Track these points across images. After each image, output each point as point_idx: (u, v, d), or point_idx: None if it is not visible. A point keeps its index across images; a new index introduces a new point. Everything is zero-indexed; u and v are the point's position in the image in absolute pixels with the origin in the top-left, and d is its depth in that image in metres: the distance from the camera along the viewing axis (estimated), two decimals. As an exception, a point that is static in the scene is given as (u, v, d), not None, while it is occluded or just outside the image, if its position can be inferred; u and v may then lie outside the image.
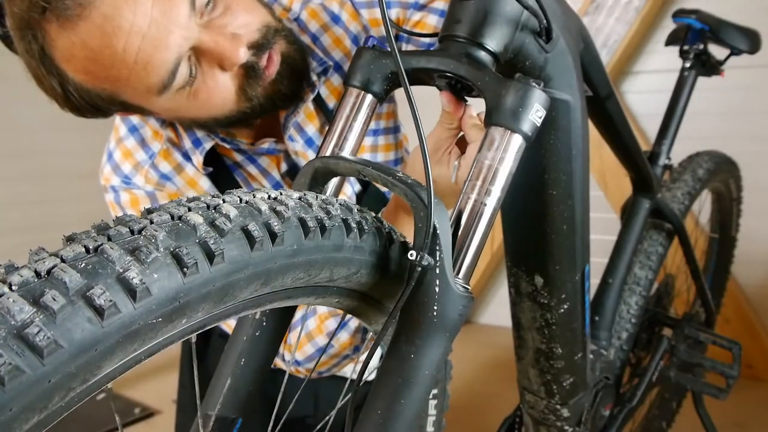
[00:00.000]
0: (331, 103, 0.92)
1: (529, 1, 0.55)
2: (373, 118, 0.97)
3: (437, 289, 0.48)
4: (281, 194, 0.46)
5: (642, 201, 1.16)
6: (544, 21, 0.57)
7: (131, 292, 0.34)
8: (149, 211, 0.40)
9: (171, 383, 2.17)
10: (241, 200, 0.43)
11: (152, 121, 0.88)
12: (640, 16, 2.07)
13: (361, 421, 0.49)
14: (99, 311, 0.33)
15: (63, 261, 0.34)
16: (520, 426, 1.05)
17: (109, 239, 0.36)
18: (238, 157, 0.89)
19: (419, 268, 0.47)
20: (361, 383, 0.50)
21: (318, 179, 0.55)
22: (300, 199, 0.46)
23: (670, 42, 1.35)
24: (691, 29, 1.28)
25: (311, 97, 0.85)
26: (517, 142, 0.54)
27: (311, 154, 0.90)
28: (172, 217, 0.39)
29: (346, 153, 0.61)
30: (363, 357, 1.08)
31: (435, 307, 0.49)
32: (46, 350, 0.31)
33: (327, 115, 0.90)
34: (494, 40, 0.56)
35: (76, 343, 0.32)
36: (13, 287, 0.32)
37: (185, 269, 0.36)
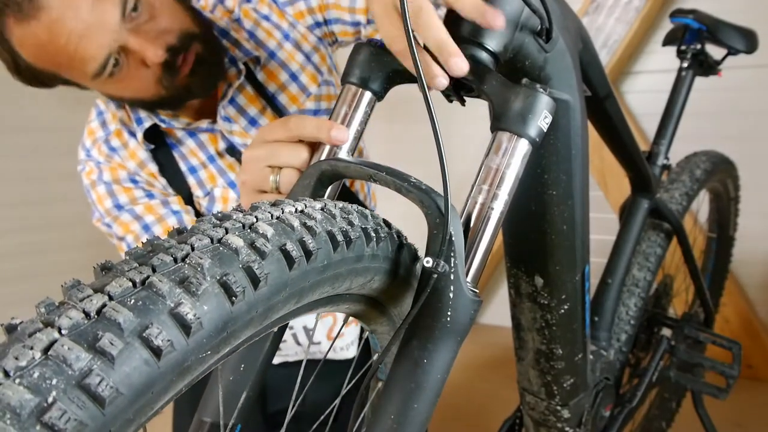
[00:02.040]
0: (269, 86, 1.04)
1: (533, 1, 0.55)
2: (311, 98, 1.04)
3: (451, 295, 0.49)
4: (306, 206, 0.45)
5: (641, 201, 1.16)
6: (547, 21, 0.57)
7: (185, 328, 0.32)
8: (179, 232, 0.39)
9: (170, 384, 2.17)
10: (272, 216, 0.42)
11: (111, 105, 1.06)
12: (640, 16, 2.07)
13: (373, 424, 0.49)
14: (156, 352, 0.31)
15: (111, 298, 0.32)
16: (520, 427, 1.05)
17: (154, 270, 0.34)
18: (179, 134, 1.03)
19: (435, 275, 0.48)
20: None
21: (323, 181, 0.54)
22: (323, 209, 0.45)
23: (667, 42, 1.35)
24: (688, 29, 1.28)
25: (238, 82, 0.99)
26: (523, 146, 0.54)
27: (254, 133, 1.02)
28: (212, 240, 0.37)
29: (344, 151, 0.60)
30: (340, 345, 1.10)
31: (449, 313, 0.49)
32: (108, 399, 0.29)
33: (267, 99, 1.02)
34: (494, 40, 0.56)
35: (134, 388, 0.30)
36: (64, 331, 0.30)
37: (233, 298, 0.35)
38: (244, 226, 0.39)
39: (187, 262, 0.35)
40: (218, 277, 0.35)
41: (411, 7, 0.52)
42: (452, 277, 0.48)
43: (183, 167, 1.04)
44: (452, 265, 0.48)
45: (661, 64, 2.18)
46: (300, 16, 1.04)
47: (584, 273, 0.82)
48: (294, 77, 1.04)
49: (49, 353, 0.29)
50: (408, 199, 0.50)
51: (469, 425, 1.80)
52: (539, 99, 0.53)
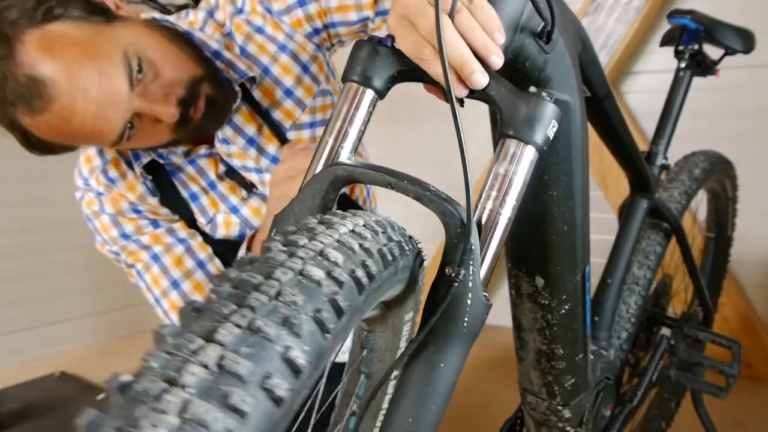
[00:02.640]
0: (265, 104, 1.02)
1: (540, 3, 0.55)
2: (306, 111, 1.03)
3: (469, 302, 0.50)
4: (355, 225, 0.45)
5: (640, 201, 1.17)
6: (551, 23, 0.58)
7: (296, 372, 0.32)
8: (252, 261, 0.38)
9: (171, 385, 2.16)
10: (333, 239, 0.42)
11: None
12: (640, 16, 2.07)
13: (388, 427, 0.50)
14: (278, 402, 0.31)
15: (222, 346, 0.31)
16: (521, 427, 1.05)
17: (253, 310, 0.33)
18: (178, 161, 1.01)
19: (456, 284, 0.49)
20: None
21: (335, 186, 0.54)
22: (365, 226, 0.46)
23: (665, 42, 1.36)
24: (686, 29, 1.28)
25: (235, 105, 0.97)
26: (530, 153, 0.55)
27: (252, 153, 1.00)
28: (294, 273, 0.37)
29: (345, 151, 0.59)
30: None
31: (466, 319, 0.50)
32: None
33: (263, 116, 1.00)
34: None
35: None
36: (190, 390, 0.28)
37: (327, 334, 0.35)
38: (317, 254, 0.39)
39: (281, 300, 0.34)
40: (311, 314, 0.35)
41: (429, 21, 0.53)
42: (470, 285, 0.50)
43: (184, 194, 1.02)
44: (470, 272, 0.50)
45: (660, 64, 2.18)
46: (298, 25, 1.01)
47: (585, 273, 0.82)
48: (289, 93, 1.02)
49: (185, 416, 0.27)
50: (429, 209, 0.51)
51: (470, 425, 1.80)
52: (548, 108, 0.55)
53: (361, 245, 0.43)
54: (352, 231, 0.44)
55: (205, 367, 0.29)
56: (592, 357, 0.97)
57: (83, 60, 0.79)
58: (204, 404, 0.28)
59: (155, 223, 1.01)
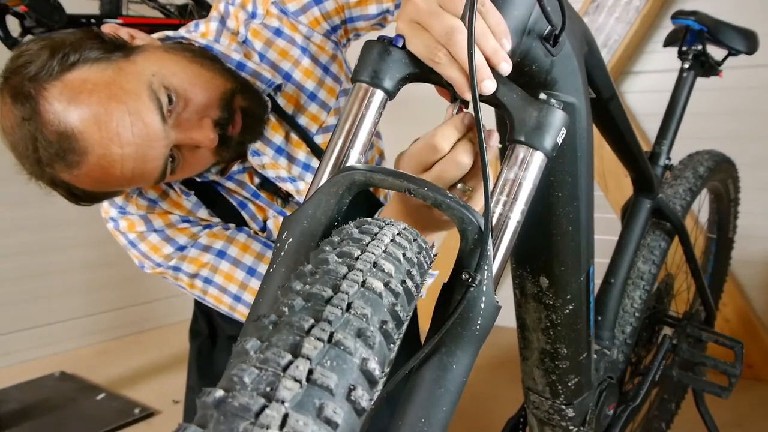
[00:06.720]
0: (289, 110, 0.99)
1: (547, 7, 0.56)
2: (331, 113, 1.01)
3: (482, 305, 0.51)
4: (394, 236, 0.46)
5: (643, 201, 1.17)
6: (560, 28, 0.58)
7: (372, 383, 0.34)
8: (312, 273, 0.40)
9: (171, 383, 2.17)
10: (382, 250, 0.43)
11: None
12: (641, 16, 2.07)
13: (401, 427, 0.50)
14: (360, 413, 0.32)
15: (309, 360, 0.32)
16: (524, 426, 1.06)
17: (330, 324, 0.34)
18: (215, 178, 0.98)
19: (472, 288, 0.50)
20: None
21: (351, 189, 0.54)
22: (400, 235, 0.48)
23: (668, 43, 1.36)
24: (689, 30, 1.29)
25: (266, 114, 0.94)
26: (539, 158, 0.56)
27: (282, 162, 0.98)
28: (358, 285, 0.38)
29: (355, 152, 0.59)
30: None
31: (479, 322, 0.51)
32: None
33: (289, 122, 0.97)
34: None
35: None
36: (287, 404, 0.30)
37: (391, 345, 0.37)
38: (372, 265, 0.41)
39: (352, 312, 0.36)
40: (379, 326, 0.36)
41: (444, 25, 0.53)
42: (485, 289, 0.50)
43: (233, 202, 1.00)
44: (485, 277, 0.50)
45: (661, 63, 2.19)
46: (315, 24, 0.98)
47: (589, 273, 0.83)
48: (313, 96, 0.99)
49: (285, 430, 0.29)
50: (446, 215, 0.52)
51: (471, 425, 1.81)
52: (557, 115, 0.55)
53: (404, 255, 0.44)
54: (393, 241, 0.45)
55: (298, 381, 0.30)
56: (595, 356, 0.97)
57: (110, 103, 0.76)
58: (302, 417, 0.29)
59: (209, 226, 0.97)
